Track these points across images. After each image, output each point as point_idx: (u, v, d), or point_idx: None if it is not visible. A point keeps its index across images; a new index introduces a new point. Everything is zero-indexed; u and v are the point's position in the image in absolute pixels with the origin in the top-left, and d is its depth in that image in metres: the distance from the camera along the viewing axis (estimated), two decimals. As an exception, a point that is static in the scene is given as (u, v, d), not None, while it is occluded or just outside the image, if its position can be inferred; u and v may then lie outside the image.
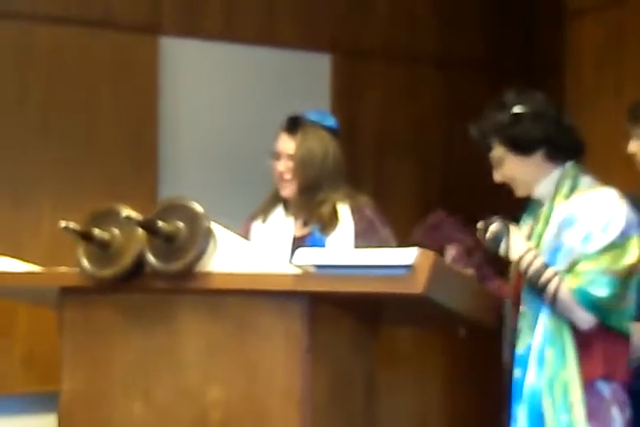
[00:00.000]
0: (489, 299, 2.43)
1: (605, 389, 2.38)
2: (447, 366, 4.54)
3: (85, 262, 2.28)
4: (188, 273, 2.17)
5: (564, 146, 2.47)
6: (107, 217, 2.28)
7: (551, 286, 2.33)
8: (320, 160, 2.94)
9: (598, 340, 2.37)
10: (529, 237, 2.47)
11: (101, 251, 2.26)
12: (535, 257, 2.36)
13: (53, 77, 4.18)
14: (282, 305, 2.12)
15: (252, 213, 3.05)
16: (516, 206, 2.71)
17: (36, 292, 2.53)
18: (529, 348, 2.38)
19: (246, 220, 3.04)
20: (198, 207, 2.20)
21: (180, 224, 2.18)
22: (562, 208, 2.43)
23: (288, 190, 2.95)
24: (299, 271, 2.12)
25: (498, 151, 2.48)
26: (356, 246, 2.85)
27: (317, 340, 2.13)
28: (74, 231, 2.26)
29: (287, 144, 2.97)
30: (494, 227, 2.40)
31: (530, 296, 2.41)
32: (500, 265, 2.49)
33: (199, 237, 2.16)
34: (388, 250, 2.10)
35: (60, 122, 4.18)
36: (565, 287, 2.33)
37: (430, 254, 2.04)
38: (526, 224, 2.53)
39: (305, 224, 2.96)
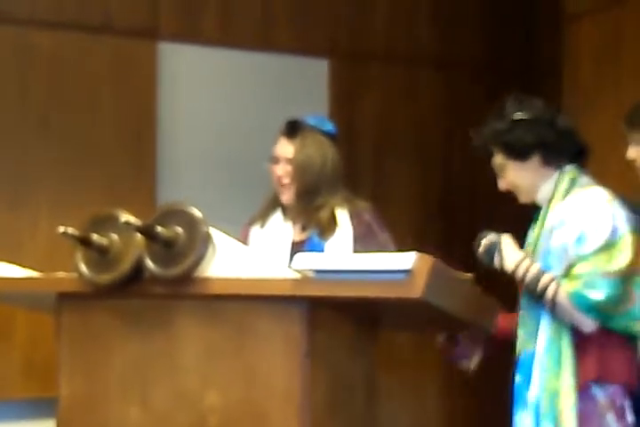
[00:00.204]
0: (487, 303, 2.42)
1: (600, 394, 2.37)
2: (446, 371, 4.54)
3: (84, 268, 2.28)
4: (187, 278, 2.17)
5: (561, 150, 2.49)
6: (105, 222, 2.28)
7: (549, 292, 2.33)
8: (319, 165, 2.94)
9: (593, 343, 2.37)
10: (528, 243, 2.48)
11: (100, 256, 2.26)
12: (531, 264, 2.37)
13: (53, 81, 4.19)
14: (281, 310, 2.12)
15: (251, 218, 3.05)
16: (515, 209, 2.71)
17: (33, 297, 2.53)
18: (530, 354, 2.39)
19: (245, 225, 3.04)
20: (197, 212, 2.20)
21: (179, 229, 2.18)
22: (556, 210, 2.44)
23: (287, 195, 2.95)
24: (297, 276, 2.12)
25: (498, 158, 2.52)
26: (355, 251, 2.85)
27: (316, 344, 2.13)
28: (72, 237, 2.26)
29: (286, 148, 2.97)
30: (486, 240, 2.42)
31: (528, 302, 2.41)
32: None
33: (198, 242, 2.16)
34: (386, 255, 2.10)
35: (59, 125, 4.19)
36: (563, 292, 2.33)
37: (429, 259, 2.04)
38: (532, 231, 2.54)
39: (303, 229, 2.96)
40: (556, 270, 2.37)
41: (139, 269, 2.22)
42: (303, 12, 4.67)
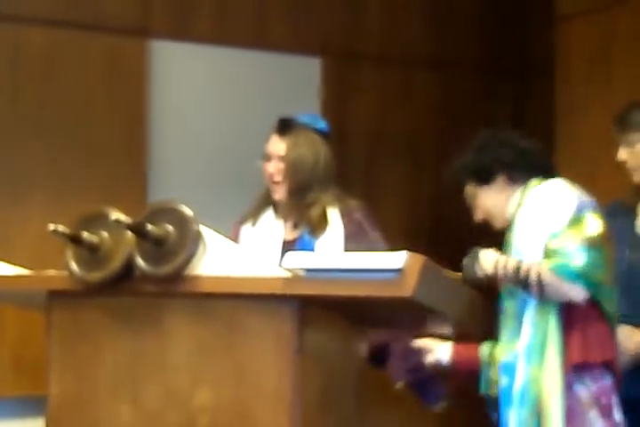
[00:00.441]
0: (478, 302, 2.42)
1: (583, 391, 2.39)
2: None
3: (74, 266, 2.27)
4: (178, 276, 2.17)
5: (525, 168, 2.56)
6: (96, 220, 2.28)
7: (533, 275, 2.36)
8: (311, 163, 2.94)
9: (577, 327, 2.41)
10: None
11: (90, 254, 2.26)
12: (508, 258, 2.41)
13: (45, 80, 4.18)
14: (271, 308, 2.12)
15: (242, 216, 3.04)
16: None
17: (24, 295, 2.52)
18: (514, 355, 2.39)
19: (236, 223, 3.03)
20: (187, 211, 2.19)
21: (170, 228, 2.18)
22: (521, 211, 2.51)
23: (279, 193, 2.95)
24: (288, 275, 2.12)
25: (468, 189, 2.61)
26: (346, 250, 2.85)
27: (307, 343, 2.12)
28: (63, 234, 2.25)
29: (278, 146, 2.97)
30: (465, 259, 2.45)
31: (509, 303, 2.43)
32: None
33: (188, 240, 2.16)
34: (377, 254, 2.09)
35: (51, 123, 4.18)
36: (546, 269, 2.37)
37: (420, 258, 2.04)
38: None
39: (295, 227, 2.96)
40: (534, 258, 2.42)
41: (129, 267, 2.22)
42: (296, 10, 4.67)
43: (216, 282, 2.16)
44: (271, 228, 2.96)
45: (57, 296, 2.34)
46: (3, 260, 2.60)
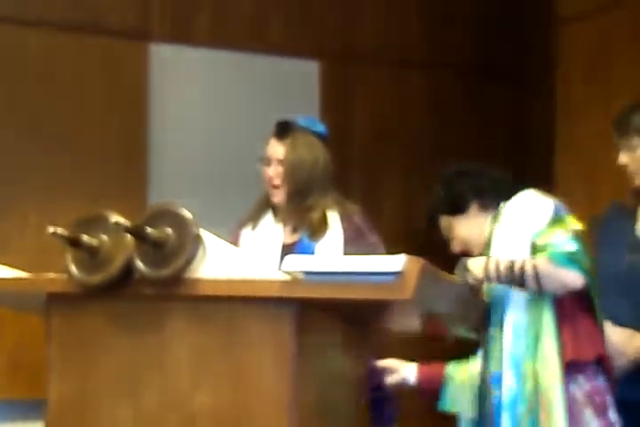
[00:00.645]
0: (476, 305, 2.43)
1: (577, 391, 2.40)
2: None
3: (73, 268, 2.27)
4: (177, 279, 2.17)
5: (496, 194, 2.61)
6: (95, 223, 2.27)
7: (528, 269, 2.38)
8: (309, 166, 2.94)
9: (567, 325, 2.42)
10: None
11: (90, 257, 2.26)
12: (497, 259, 2.43)
13: (43, 82, 4.18)
14: (271, 312, 2.12)
15: (241, 219, 3.05)
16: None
17: (22, 298, 2.52)
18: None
19: (235, 227, 3.04)
20: (187, 214, 2.19)
21: (169, 230, 2.18)
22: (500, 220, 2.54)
23: (278, 196, 2.96)
24: (287, 278, 2.12)
25: (444, 222, 2.66)
26: (345, 253, 2.85)
27: (306, 346, 2.13)
28: (62, 237, 2.25)
29: (277, 149, 2.97)
30: (456, 268, 2.46)
31: (496, 314, 2.43)
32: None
33: (188, 243, 2.15)
34: (376, 257, 2.10)
35: (48, 126, 4.18)
36: (541, 260, 2.39)
37: (419, 261, 2.04)
38: None
39: (294, 231, 2.96)
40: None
41: (128, 270, 2.22)
42: (294, 14, 4.68)
43: (215, 285, 2.16)
44: (271, 231, 2.96)
45: (56, 299, 2.34)
46: (1, 263, 2.60)
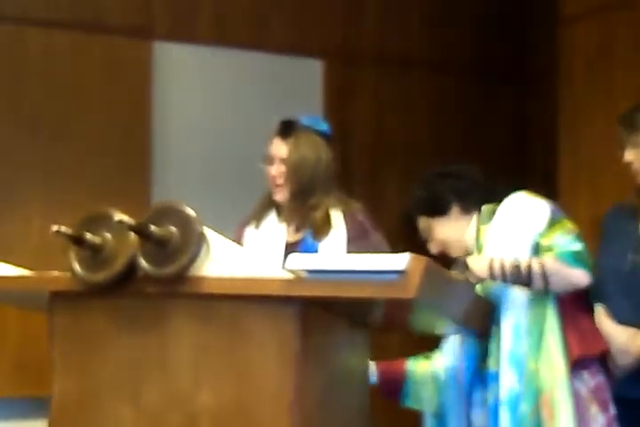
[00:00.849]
0: (481, 304, 2.43)
1: (582, 387, 2.40)
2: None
3: (77, 267, 2.27)
4: (181, 277, 2.17)
5: (476, 197, 2.60)
6: (99, 221, 2.27)
7: (535, 268, 2.37)
8: (312, 165, 2.94)
9: (570, 322, 2.42)
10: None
11: (93, 255, 2.26)
12: (501, 258, 2.41)
13: (46, 80, 4.18)
14: (274, 310, 2.12)
15: (245, 218, 3.05)
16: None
17: (26, 296, 2.52)
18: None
19: (239, 226, 3.04)
20: (191, 212, 2.19)
21: (173, 228, 2.18)
22: (488, 227, 2.53)
23: (281, 195, 2.96)
24: (291, 276, 2.12)
25: (422, 223, 2.64)
26: (349, 252, 2.85)
27: (309, 344, 2.12)
28: (65, 235, 2.25)
29: (280, 148, 2.97)
30: (455, 268, 2.44)
31: (499, 311, 2.43)
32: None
33: (192, 241, 2.15)
34: (379, 255, 2.09)
35: (51, 125, 4.18)
36: (549, 259, 2.39)
37: (422, 260, 2.04)
38: None
39: (297, 230, 2.96)
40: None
41: (132, 268, 2.22)
42: (297, 12, 4.68)
43: (219, 283, 2.16)
44: (274, 230, 2.96)
45: (59, 297, 2.34)
46: (5, 261, 2.60)
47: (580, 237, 2.47)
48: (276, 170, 2.96)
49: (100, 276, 2.24)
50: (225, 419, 2.15)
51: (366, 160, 4.79)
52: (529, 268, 2.37)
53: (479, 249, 2.52)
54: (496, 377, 2.38)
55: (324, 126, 3.04)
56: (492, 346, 2.41)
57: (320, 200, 2.93)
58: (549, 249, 2.42)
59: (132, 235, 2.20)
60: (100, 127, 4.26)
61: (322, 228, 2.90)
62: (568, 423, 2.34)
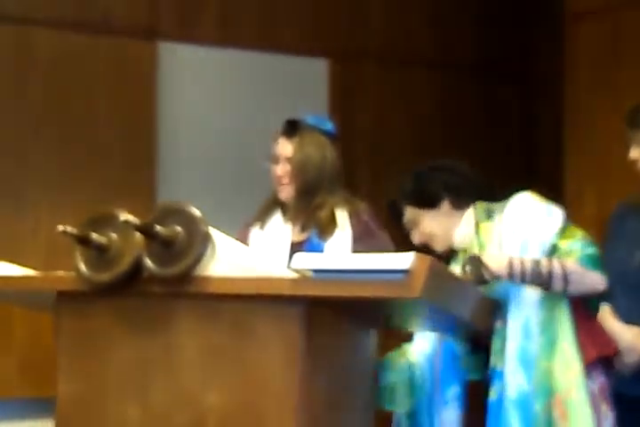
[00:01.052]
0: (486, 303, 2.42)
1: (593, 385, 2.40)
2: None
3: (82, 266, 2.27)
4: (186, 277, 2.17)
5: (468, 192, 2.58)
6: (104, 221, 2.28)
7: (556, 269, 2.36)
8: (318, 164, 2.94)
9: (583, 323, 2.42)
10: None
11: (99, 255, 2.26)
12: (520, 258, 2.39)
13: (51, 81, 4.19)
14: (279, 310, 2.12)
15: (250, 219, 3.05)
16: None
17: (32, 296, 2.52)
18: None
19: (244, 226, 3.04)
20: (196, 212, 2.19)
21: (178, 228, 2.18)
22: (492, 226, 2.50)
23: (286, 194, 2.96)
24: (296, 276, 2.12)
25: (409, 214, 2.61)
26: (354, 251, 2.85)
27: (315, 344, 2.12)
28: (71, 235, 2.26)
29: (285, 148, 2.97)
30: (468, 265, 2.40)
31: (504, 309, 2.42)
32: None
33: (197, 241, 2.15)
34: (385, 255, 2.09)
35: (58, 125, 4.19)
36: (569, 262, 2.38)
37: (427, 259, 2.04)
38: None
39: (303, 229, 2.96)
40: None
41: (137, 268, 2.22)
42: (303, 13, 4.68)
43: (224, 283, 2.16)
44: (279, 230, 2.96)
45: (65, 297, 2.34)
46: (13, 262, 2.61)
47: (593, 242, 2.46)
48: (282, 169, 2.96)
49: (106, 276, 2.24)
50: (232, 419, 2.15)
51: (371, 160, 4.79)
52: (550, 269, 2.36)
53: (480, 246, 2.50)
54: (500, 375, 2.37)
55: (328, 126, 3.05)
56: (496, 344, 2.40)
57: (325, 200, 2.93)
58: (569, 251, 2.41)
59: (138, 235, 2.20)
60: (105, 127, 4.27)
61: (327, 227, 2.90)
62: (587, 424, 2.33)
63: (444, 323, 2.40)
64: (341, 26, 4.79)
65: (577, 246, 2.42)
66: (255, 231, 3.00)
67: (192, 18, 4.49)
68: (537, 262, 2.37)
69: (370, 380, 2.38)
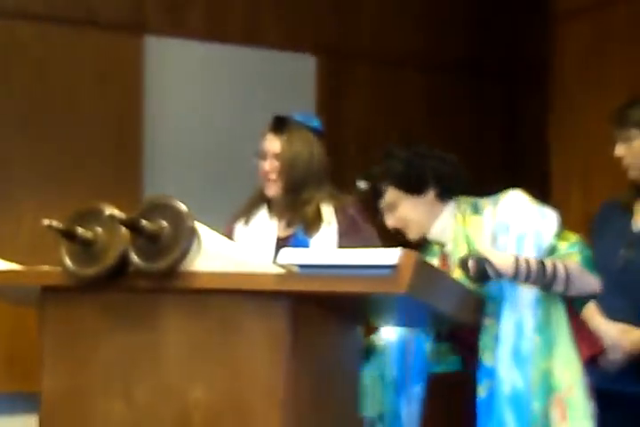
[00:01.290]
0: (472, 299, 2.43)
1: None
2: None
3: (68, 261, 2.26)
4: (172, 272, 2.16)
5: (454, 184, 2.55)
6: (90, 216, 2.27)
7: (560, 270, 2.35)
8: (306, 161, 2.94)
9: (575, 321, 2.42)
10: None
11: (84, 250, 2.25)
12: (525, 258, 2.38)
13: (37, 76, 4.17)
14: (265, 305, 2.12)
15: (235, 214, 3.04)
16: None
17: (16, 291, 2.51)
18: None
19: (229, 221, 3.03)
20: (182, 206, 2.19)
21: (164, 223, 2.17)
22: (482, 219, 2.47)
23: (273, 190, 2.96)
24: (282, 271, 2.12)
25: (390, 196, 2.55)
26: (340, 246, 2.85)
27: (301, 340, 2.12)
28: (56, 230, 2.25)
29: (273, 144, 2.97)
30: (470, 262, 2.37)
31: (492, 308, 2.41)
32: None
33: (183, 236, 2.15)
34: (371, 250, 2.09)
35: (43, 120, 4.17)
36: (571, 263, 2.38)
37: (414, 255, 2.04)
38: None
39: (289, 225, 2.96)
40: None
41: (123, 262, 2.21)
42: (290, 8, 4.67)
43: (210, 278, 2.16)
44: (265, 226, 2.96)
45: (50, 292, 2.33)
46: (-3, 257, 2.59)
47: (587, 244, 2.47)
48: (269, 165, 2.96)
49: (91, 270, 2.24)
50: (217, 415, 2.14)
51: (358, 156, 4.79)
52: (554, 270, 2.35)
53: (467, 239, 2.48)
54: (490, 373, 2.37)
55: (316, 123, 3.05)
56: (486, 341, 2.40)
57: (311, 195, 2.93)
58: (568, 254, 2.40)
59: (124, 229, 2.20)
60: (91, 123, 4.26)
61: (313, 223, 2.90)
62: (587, 423, 2.33)
63: (426, 318, 2.40)
64: (330, 22, 4.79)
65: (576, 249, 2.41)
66: (239, 227, 2.99)
67: (179, 12, 4.48)
68: (541, 263, 2.36)
69: (355, 375, 2.38)
